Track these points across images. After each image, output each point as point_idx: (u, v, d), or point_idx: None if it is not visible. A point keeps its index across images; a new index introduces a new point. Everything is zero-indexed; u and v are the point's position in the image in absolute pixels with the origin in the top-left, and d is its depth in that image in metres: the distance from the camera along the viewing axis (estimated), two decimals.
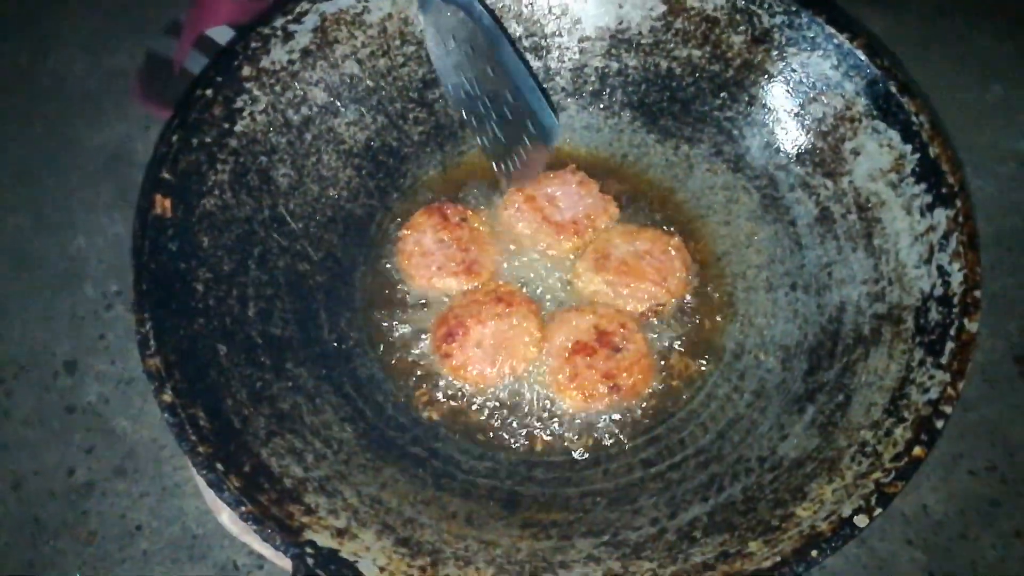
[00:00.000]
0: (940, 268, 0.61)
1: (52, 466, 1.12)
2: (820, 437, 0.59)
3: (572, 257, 0.75)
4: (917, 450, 0.52)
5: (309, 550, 0.50)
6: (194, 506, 1.09)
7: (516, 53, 0.70)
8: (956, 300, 0.59)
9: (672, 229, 0.77)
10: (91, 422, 1.15)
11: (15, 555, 1.05)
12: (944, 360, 0.56)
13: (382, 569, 0.50)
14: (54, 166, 1.37)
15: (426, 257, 0.74)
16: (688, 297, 0.72)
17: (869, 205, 0.68)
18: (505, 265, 0.75)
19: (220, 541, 1.07)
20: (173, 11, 1.45)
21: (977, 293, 0.59)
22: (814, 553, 0.50)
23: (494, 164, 0.76)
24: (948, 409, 0.53)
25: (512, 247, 0.76)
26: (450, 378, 0.68)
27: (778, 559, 0.49)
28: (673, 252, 0.73)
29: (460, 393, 0.68)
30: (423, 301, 0.74)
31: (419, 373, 0.69)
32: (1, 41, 1.50)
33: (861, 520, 0.51)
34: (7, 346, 1.19)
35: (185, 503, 1.10)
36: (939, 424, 0.53)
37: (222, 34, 1.39)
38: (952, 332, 0.57)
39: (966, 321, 0.57)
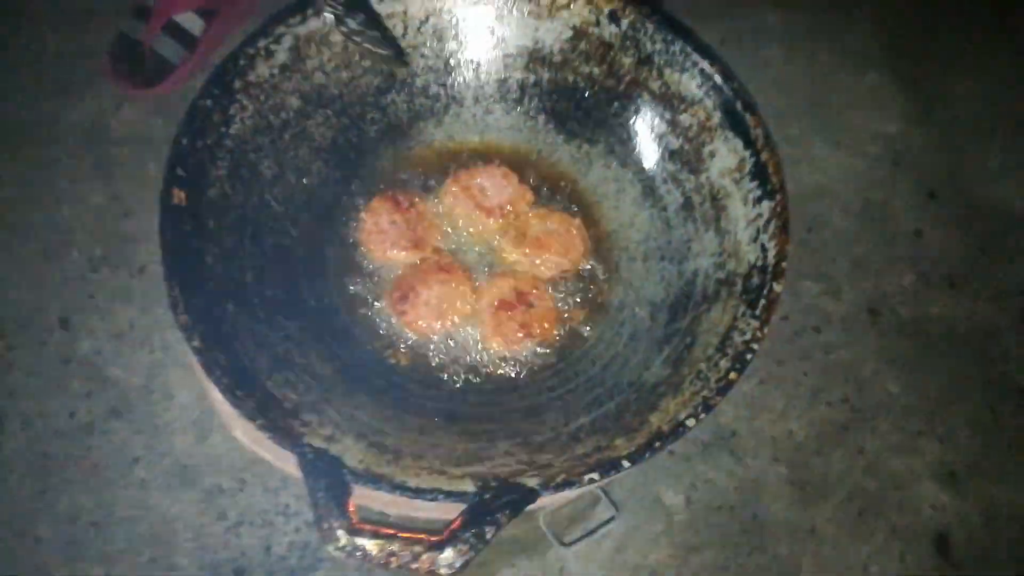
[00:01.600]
0: (762, 246, 0.79)
1: (55, 410, 1.27)
2: (672, 368, 0.77)
3: (497, 234, 0.91)
4: (732, 375, 0.71)
5: (308, 449, 0.66)
6: (182, 440, 1.27)
7: None
8: (770, 269, 0.77)
9: (576, 211, 0.92)
10: (87, 371, 1.30)
11: (29, 485, 1.21)
12: (758, 312, 0.75)
13: (360, 461, 0.67)
14: (34, 140, 1.49)
15: (382, 234, 0.88)
16: (585, 265, 0.89)
17: (719, 196, 0.85)
18: (445, 242, 0.90)
19: (207, 469, 1.25)
20: None
21: (784, 264, 0.76)
22: (657, 444, 0.68)
23: None
24: (756, 346, 0.73)
25: (450, 227, 0.91)
26: (404, 330, 0.86)
27: (633, 449, 0.68)
28: (574, 231, 0.89)
29: (412, 341, 0.86)
30: (380, 269, 0.88)
31: (380, 326, 0.86)
32: None
33: (690, 422, 0.69)
34: (5, 307, 1.33)
35: (175, 438, 1.27)
36: (748, 356, 0.72)
37: (187, 20, 1.52)
38: (765, 292, 0.76)
39: (775, 284, 0.76)
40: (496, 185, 0.91)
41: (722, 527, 1.27)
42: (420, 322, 0.84)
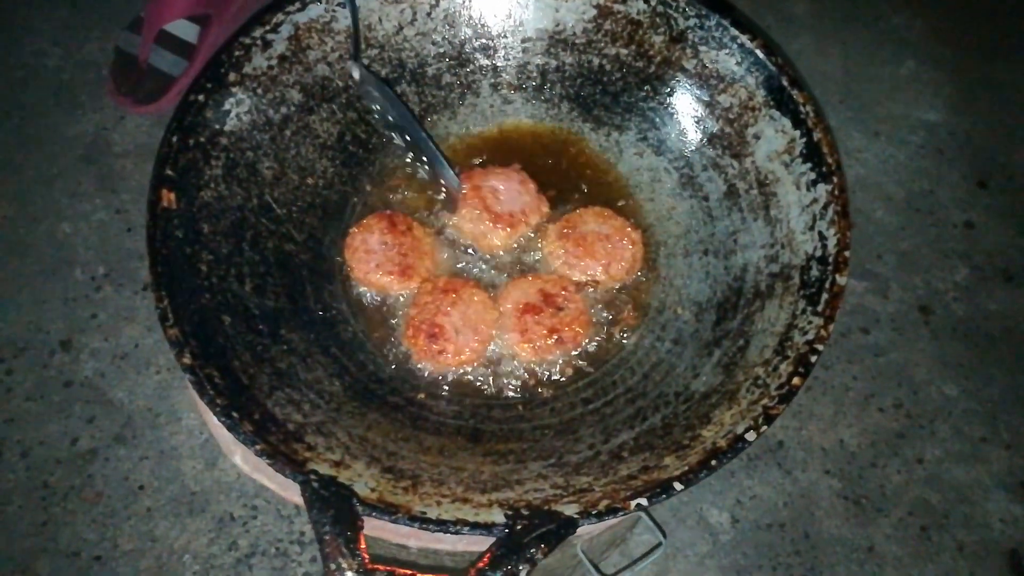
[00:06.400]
0: (820, 234, 0.72)
1: (56, 436, 1.21)
2: (724, 374, 0.70)
3: (501, 252, 0.83)
4: (795, 380, 0.64)
5: (313, 477, 0.60)
6: (191, 466, 1.20)
7: (422, 130, 0.82)
8: (831, 259, 0.70)
9: (605, 206, 0.84)
10: (89, 395, 1.24)
11: (28, 517, 1.15)
12: (820, 308, 0.68)
13: (372, 489, 0.60)
14: (35, 156, 1.44)
15: (368, 255, 0.79)
16: (621, 284, 0.81)
17: (767, 182, 0.78)
18: (445, 264, 0.82)
19: (217, 496, 1.18)
20: (137, 3, 1.51)
21: (847, 253, 0.69)
22: (713, 463, 0.60)
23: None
24: (820, 347, 0.65)
25: (451, 248, 0.83)
26: (444, 369, 0.76)
27: (686, 468, 0.61)
28: (628, 243, 0.80)
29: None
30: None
31: (396, 347, 0.78)
32: None
33: (751, 435, 0.61)
34: (4, 328, 1.28)
35: (182, 464, 1.20)
36: (813, 359, 0.65)
37: (181, 28, 1.46)
38: (827, 285, 0.68)
39: (837, 276, 0.68)
40: (511, 191, 0.83)
41: (772, 547, 1.19)
42: (461, 356, 0.76)
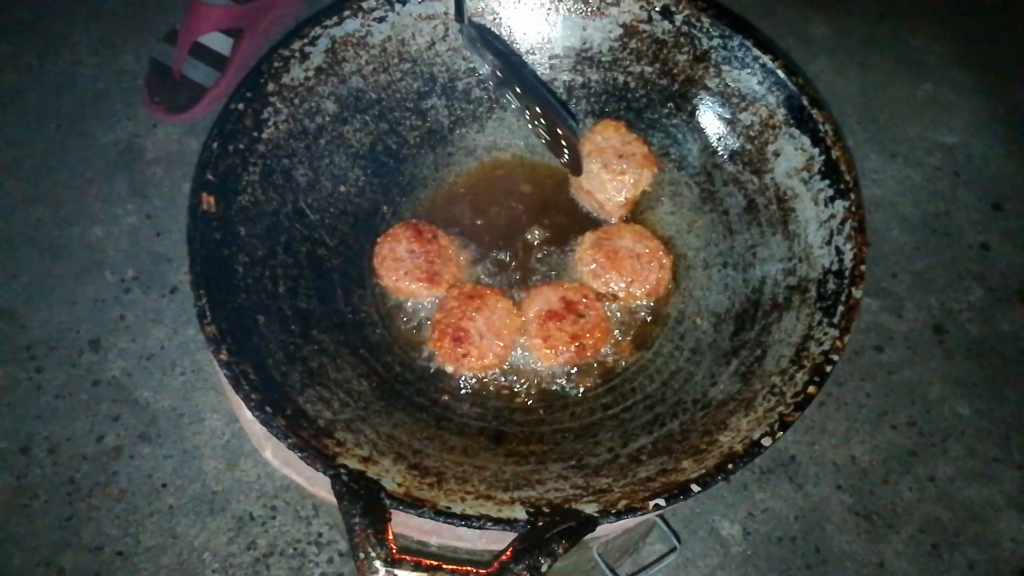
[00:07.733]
0: (837, 248, 0.73)
1: (83, 433, 1.24)
2: (741, 383, 0.71)
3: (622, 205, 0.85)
4: (811, 389, 0.65)
5: (343, 471, 0.61)
6: (212, 466, 1.23)
7: (534, 77, 0.85)
8: (847, 273, 0.71)
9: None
10: (116, 394, 1.27)
11: (54, 512, 1.18)
12: (836, 320, 0.69)
13: (399, 485, 0.62)
14: (70, 161, 1.48)
15: (396, 262, 0.81)
16: (639, 302, 0.82)
17: (786, 197, 0.80)
18: (467, 274, 0.84)
19: (237, 496, 1.21)
20: (172, 16, 1.55)
21: (863, 267, 0.71)
22: (729, 466, 0.62)
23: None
24: (836, 357, 0.67)
25: (476, 256, 0.85)
26: (466, 372, 0.77)
27: (703, 471, 0.62)
28: (656, 268, 0.81)
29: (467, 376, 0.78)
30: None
31: (422, 350, 0.80)
32: (11, 44, 1.60)
33: (766, 441, 0.63)
34: (36, 328, 1.31)
35: (204, 463, 1.23)
36: (828, 369, 0.66)
37: (214, 40, 1.50)
38: (843, 298, 0.70)
39: (853, 290, 0.70)
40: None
41: (782, 560, 1.20)
42: (484, 360, 0.77)
